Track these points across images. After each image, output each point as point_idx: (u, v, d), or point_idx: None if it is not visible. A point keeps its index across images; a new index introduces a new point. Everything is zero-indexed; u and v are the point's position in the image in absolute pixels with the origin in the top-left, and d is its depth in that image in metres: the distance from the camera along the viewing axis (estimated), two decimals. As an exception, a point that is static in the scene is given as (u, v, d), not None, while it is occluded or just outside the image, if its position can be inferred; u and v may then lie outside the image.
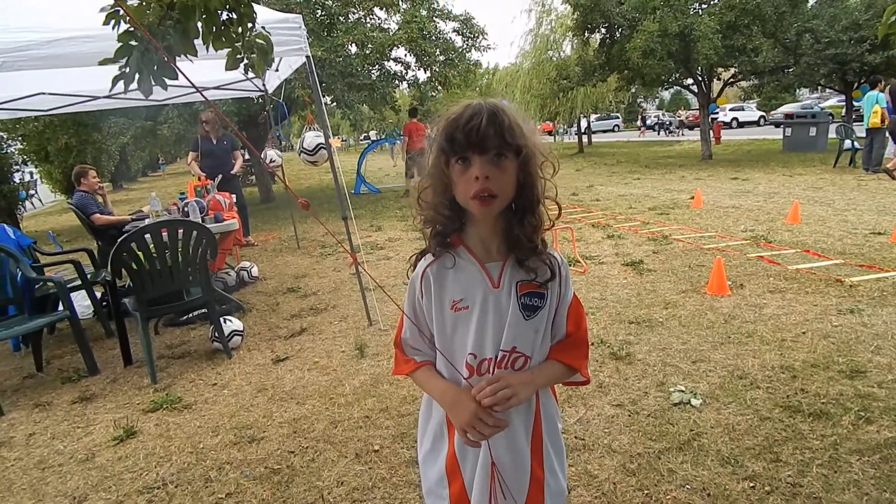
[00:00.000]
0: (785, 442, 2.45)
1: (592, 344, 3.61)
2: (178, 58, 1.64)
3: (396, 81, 13.35)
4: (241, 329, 4.30)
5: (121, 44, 1.61)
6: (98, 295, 4.99)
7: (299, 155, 5.78)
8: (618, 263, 5.54)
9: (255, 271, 6.25)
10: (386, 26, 12.81)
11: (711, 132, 17.24)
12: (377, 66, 12.49)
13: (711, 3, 14.17)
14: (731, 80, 17.11)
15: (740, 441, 2.48)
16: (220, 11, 1.70)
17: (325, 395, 3.32)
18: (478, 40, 13.27)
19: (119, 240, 3.74)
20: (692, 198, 8.86)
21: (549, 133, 37.25)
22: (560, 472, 1.34)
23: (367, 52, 11.71)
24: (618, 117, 42.15)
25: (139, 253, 3.77)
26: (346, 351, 3.97)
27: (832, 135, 14.23)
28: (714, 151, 16.28)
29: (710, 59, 13.10)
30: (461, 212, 1.20)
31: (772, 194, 8.99)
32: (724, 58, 13.80)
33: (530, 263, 1.22)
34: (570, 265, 5.27)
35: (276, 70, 5.95)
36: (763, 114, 32.86)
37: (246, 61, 1.88)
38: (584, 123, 27.17)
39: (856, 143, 11.46)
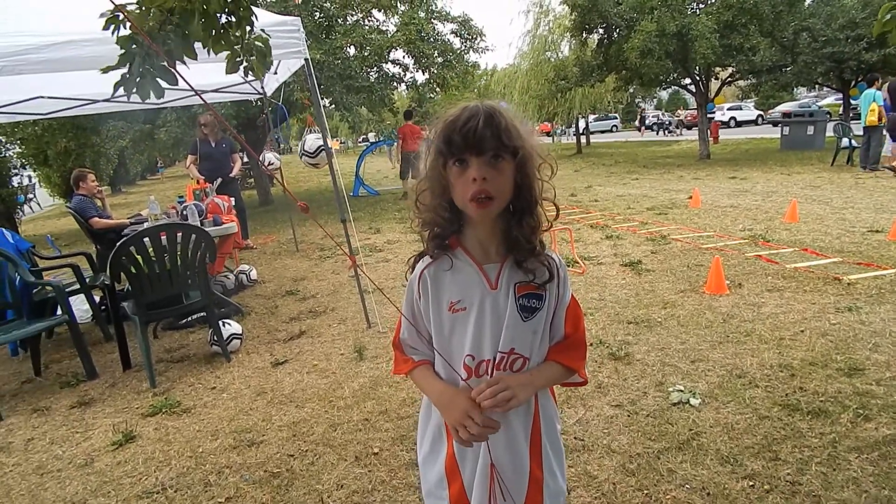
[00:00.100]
0: (784, 440, 2.45)
1: (591, 344, 3.61)
2: (177, 62, 1.65)
3: (395, 83, 13.36)
4: (240, 332, 4.29)
5: (123, 50, 1.62)
6: (97, 299, 4.99)
7: (301, 158, 5.78)
8: (616, 264, 5.55)
9: (253, 274, 6.25)
10: (384, 28, 12.83)
11: (709, 132, 17.26)
12: (375, 69, 12.51)
13: (709, 2, 14.23)
14: (729, 79, 17.17)
15: (739, 440, 2.48)
16: (219, 15, 1.70)
17: (325, 398, 3.32)
18: (476, 42, 13.30)
19: (118, 243, 3.74)
20: (690, 197, 8.87)
21: (547, 134, 37.29)
22: (559, 473, 1.34)
23: (366, 54, 11.73)
24: (616, 117, 42.19)
25: (138, 257, 3.77)
26: (346, 354, 3.97)
27: (830, 133, 14.25)
28: (712, 151, 16.31)
29: (707, 59, 13.12)
30: (459, 214, 1.20)
31: (770, 193, 9.00)
32: (721, 57, 13.83)
33: (528, 265, 1.22)
34: (568, 266, 5.29)
35: (275, 73, 5.96)
36: (761, 113, 32.88)
37: (245, 64, 1.89)
38: (582, 124, 27.20)
39: (853, 142, 11.48)
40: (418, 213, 1.26)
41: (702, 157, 15.54)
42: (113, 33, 1.60)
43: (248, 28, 1.80)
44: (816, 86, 22.70)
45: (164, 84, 1.68)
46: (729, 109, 33.36)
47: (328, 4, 11.65)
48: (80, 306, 4.83)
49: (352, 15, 12.37)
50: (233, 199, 6.54)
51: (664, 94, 50.12)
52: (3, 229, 4.85)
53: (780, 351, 3.32)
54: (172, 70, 1.61)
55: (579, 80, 17.01)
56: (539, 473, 1.30)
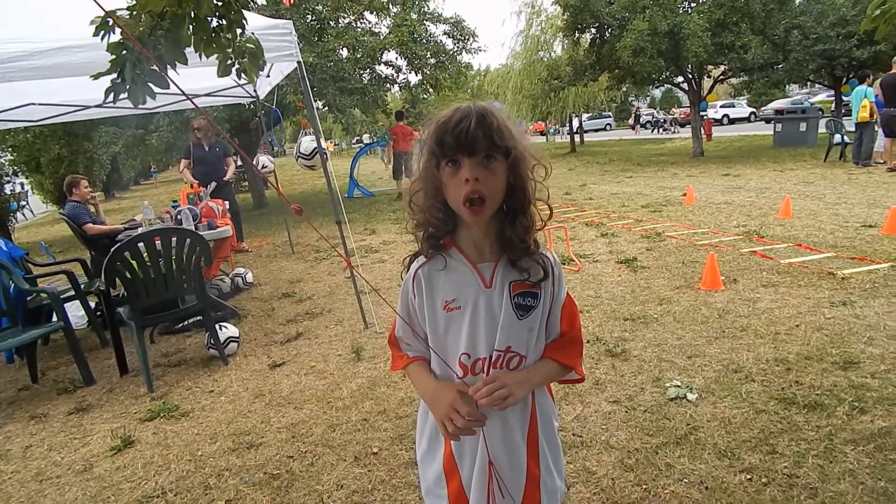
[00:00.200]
0: (780, 434, 2.47)
1: (588, 341, 3.63)
2: (169, 66, 1.65)
3: (388, 85, 13.36)
4: (237, 335, 4.29)
5: (113, 55, 1.62)
6: (92, 305, 4.97)
7: (297, 160, 5.77)
8: (612, 261, 5.56)
9: (249, 277, 6.24)
10: (377, 30, 12.83)
11: (703, 129, 17.33)
12: (368, 70, 12.51)
13: (700, 1, 14.27)
14: (721, 77, 17.22)
15: (736, 434, 2.50)
16: (210, 19, 1.70)
17: (323, 398, 3.32)
18: (468, 42, 13.31)
19: (112, 249, 3.73)
20: (684, 195, 8.90)
21: (541, 133, 37.33)
22: (556, 470, 1.35)
23: (358, 56, 11.74)
24: (609, 116, 42.28)
25: (133, 262, 3.76)
26: (343, 354, 3.97)
27: (822, 130, 14.32)
28: (705, 148, 16.37)
29: (699, 57, 13.18)
30: (453, 214, 1.21)
31: (763, 190, 9.05)
32: (713, 55, 13.88)
33: (523, 264, 1.23)
34: (564, 264, 5.30)
35: (268, 76, 5.95)
36: (753, 110, 33.02)
37: (237, 66, 1.89)
38: (575, 123, 27.25)
39: (845, 138, 11.54)
40: (412, 214, 1.27)
41: (695, 154, 15.60)
42: (103, 39, 1.60)
43: (238, 31, 1.80)
44: (808, 83, 22.84)
45: (155, 88, 1.69)
46: (722, 107, 33.48)
47: (320, 7, 11.64)
48: (76, 312, 4.81)
49: (344, 17, 12.37)
50: (227, 202, 6.53)
51: (657, 93, 50.33)
52: (-3, 237, 4.83)
53: (776, 345, 3.34)
54: (163, 75, 1.61)
55: (572, 80, 17.06)
56: (536, 470, 1.31)
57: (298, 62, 4.14)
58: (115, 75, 1.64)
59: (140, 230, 5.03)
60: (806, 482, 2.15)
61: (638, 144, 24.32)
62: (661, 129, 32.63)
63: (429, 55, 12.50)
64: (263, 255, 8.04)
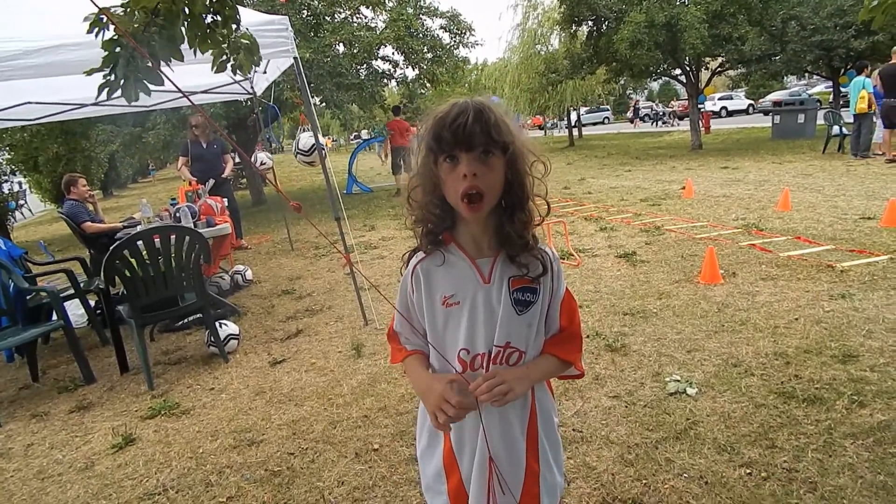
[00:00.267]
0: (780, 428, 2.47)
1: (588, 336, 3.63)
2: (163, 63, 1.64)
3: (385, 80, 13.33)
4: (237, 333, 4.29)
5: (106, 52, 1.61)
6: (92, 303, 4.97)
7: (295, 157, 5.76)
8: (611, 255, 5.57)
9: (249, 274, 6.24)
10: (373, 25, 12.79)
11: (701, 122, 17.30)
12: (365, 65, 12.48)
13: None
14: (719, 69, 17.18)
15: (736, 428, 2.51)
16: (204, 15, 1.70)
17: (324, 395, 3.33)
18: (465, 37, 13.28)
19: (111, 247, 3.73)
20: (683, 188, 8.90)
21: (539, 127, 37.27)
22: (555, 466, 1.35)
23: (355, 51, 11.69)
24: (607, 109, 42.20)
25: (132, 260, 3.76)
26: (343, 351, 3.97)
27: (820, 121, 14.30)
28: (704, 141, 16.34)
29: (697, 49, 13.14)
30: (451, 210, 1.21)
31: (762, 182, 9.04)
32: (710, 47, 13.84)
33: (522, 259, 1.23)
34: (563, 258, 5.30)
35: (265, 72, 5.93)
36: (752, 102, 32.98)
37: (232, 62, 1.89)
38: (574, 116, 27.21)
39: (844, 129, 11.52)
40: (411, 211, 1.27)
41: (694, 147, 15.58)
42: (97, 36, 1.59)
43: (233, 26, 1.80)
44: (806, 74, 22.81)
45: (151, 86, 1.68)
46: (720, 99, 33.45)
47: (316, 2, 11.61)
48: (76, 311, 4.82)
49: (340, 12, 12.33)
50: (225, 199, 6.53)
51: (655, 86, 50.22)
52: (-5, 236, 4.83)
53: (775, 339, 3.35)
54: (158, 71, 1.60)
55: (570, 73, 17.03)
56: (536, 466, 1.31)
57: (295, 58, 4.13)
58: (107, 71, 1.63)
59: (139, 228, 5.03)
60: (805, 476, 2.15)
61: (636, 138, 24.28)
62: (661, 122, 32.58)
63: (425, 50, 12.47)
64: (263, 252, 8.04)
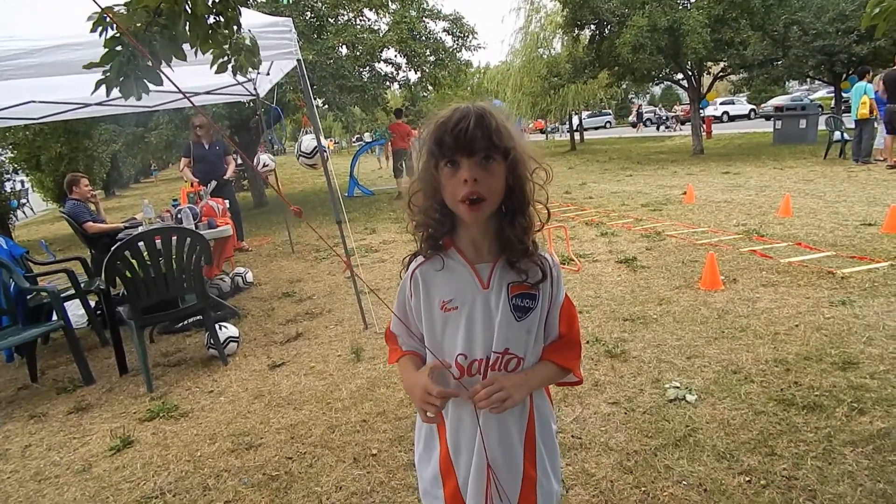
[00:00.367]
0: (780, 435, 2.47)
1: (587, 342, 3.62)
2: (165, 63, 1.64)
3: (387, 82, 13.33)
4: (237, 335, 4.29)
5: (107, 49, 1.61)
6: (92, 304, 4.97)
7: (298, 159, 5.76)
8: (611, 261, 5.56)
9: (249, 277, 6.24)
10: (376, 27, 12.79)
11: (703, 127, 17.31)
12: (368, 68, 12.48)
13: (699, -3, 14.23)
14: (721, 73, 17.19)
15: (735, 436, 2.50)
16: (206, 16, 1.70)
17: (322, 399, 3.32)
18: (468, 40, 13.28)
19: (113, 248, 3.73)
20: (684, 193, 8.90)
21: (541, 131, 37.27)
22: (552, 473, 1.35)
23: (358, 53, 11.70)
24: (609, 114, 42.22)
25: (133, 261, 3.76)
26: (343, 355, 3.97)
27: (822, 127, 14.31)
28: (705, 146, 16.35)
29: (699, 54, 13.17)
30: (451, 215, 1.21)
31: (763, 188, 9.04)
32: (713, 52, 13.87)
33: (521, 265, 1.22)
34: (564, 264, 5.29)
35: (268, 74, 5.94)
36: (753, 107, 32.99)
37: (233, 63, 1.89)
38: (575, 121, 27.23)
39: (845, 135, 11.52)
40: (411, 215, 1.27)
41: (695, 152, 15.59)
42: (100, 35, 1.60)
43: (235, 28, 1.80)
44: (808, 79, 22.76)
45: (153, 87, 1.68)
46: (722, 104, 33.45)
47: (319, 4, 11.61)
48: (76, 311, 4.81)
49: (343, 14, 12.33)
50: (227, 201, 6.52)
51: (657, 90, 50.28)
52: (-3, 235, 4.83)
53: (775, 346, 3.34)
54: (158, 70, 1.60)
55: (572, 77, 17.03)
56: (533, 473, 1.31)
57: (298, 60, 4.13)
58: (107, 67, 1.63)
59: (140, 229, 5.03)
60: (805, 484, 2.14)
61: (638, 142, 24.29)
62: (664, 127, 32.57)
63: (428, 52, 12.47)
64: (263, 255, 8.04)
